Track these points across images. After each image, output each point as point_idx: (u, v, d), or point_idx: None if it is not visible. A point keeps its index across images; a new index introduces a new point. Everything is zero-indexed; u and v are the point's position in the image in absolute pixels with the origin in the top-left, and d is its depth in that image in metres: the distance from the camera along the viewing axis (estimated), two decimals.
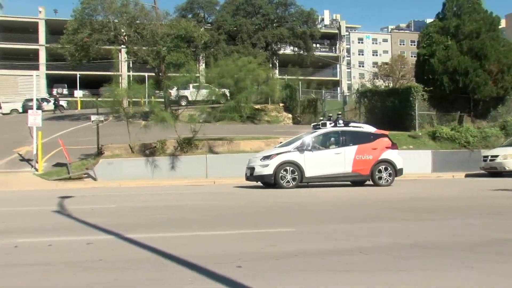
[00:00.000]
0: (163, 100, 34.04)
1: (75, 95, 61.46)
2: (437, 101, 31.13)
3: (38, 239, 7.27)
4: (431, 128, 28.67)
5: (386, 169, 17.10)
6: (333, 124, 17.72)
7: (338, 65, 72.42)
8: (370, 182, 17.30)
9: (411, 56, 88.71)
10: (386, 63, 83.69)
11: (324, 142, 17.20)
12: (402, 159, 17.69)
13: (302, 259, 5.47)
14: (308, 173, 16.57)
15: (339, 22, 78.53)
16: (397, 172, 17.26)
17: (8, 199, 13.81)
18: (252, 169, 17.03)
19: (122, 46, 41.22)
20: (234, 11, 54.60)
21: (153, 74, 38.20)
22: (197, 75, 29.10)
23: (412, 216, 8.92)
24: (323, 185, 17.72)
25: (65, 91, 64.28)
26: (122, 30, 37.32)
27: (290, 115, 40.68)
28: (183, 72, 26.24)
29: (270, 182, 16.67)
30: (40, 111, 24.27)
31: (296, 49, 56.95)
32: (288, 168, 16.49)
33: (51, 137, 27.73)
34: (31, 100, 52.24)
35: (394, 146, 17.65)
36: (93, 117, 23.83)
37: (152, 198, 13.58)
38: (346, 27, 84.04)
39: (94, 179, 21.55)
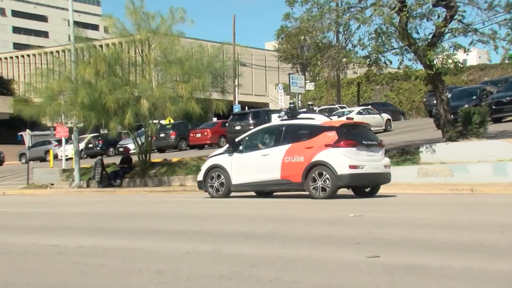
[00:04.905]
0: None
1: None
2: None
3: None
4: None
5: (321, 174, 14.70)
6: (282, 117, 16.76)
7: None
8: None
9: None
10: None
11: (260, 141, 16.72)
12: (350, 161, 14.55)
13: None
14: (235, 179, 16.19)
15: None
16: (338, 179, 14.50)
17: None
18: None
19: None
20: None
21: None
22: None
23: None
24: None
25: None
26: None
27: None
28: None
29: (202, 190, 17.18)
30: None
31: None
32: (214, 174, 16.59)
33: None
34: None
35: (341, 142, 14.67)
36: None
37: None
38: None
39: None
